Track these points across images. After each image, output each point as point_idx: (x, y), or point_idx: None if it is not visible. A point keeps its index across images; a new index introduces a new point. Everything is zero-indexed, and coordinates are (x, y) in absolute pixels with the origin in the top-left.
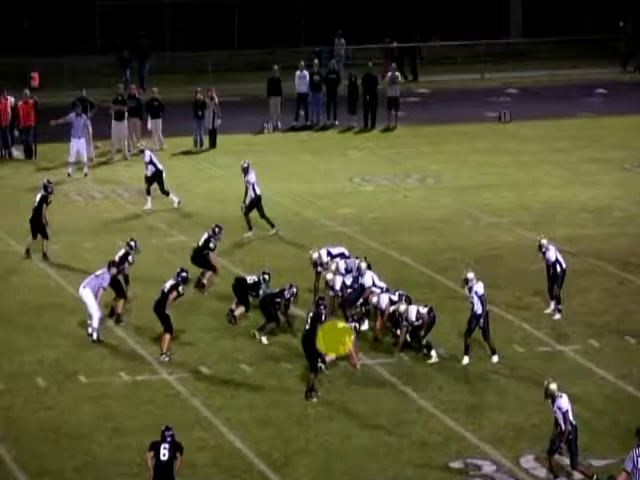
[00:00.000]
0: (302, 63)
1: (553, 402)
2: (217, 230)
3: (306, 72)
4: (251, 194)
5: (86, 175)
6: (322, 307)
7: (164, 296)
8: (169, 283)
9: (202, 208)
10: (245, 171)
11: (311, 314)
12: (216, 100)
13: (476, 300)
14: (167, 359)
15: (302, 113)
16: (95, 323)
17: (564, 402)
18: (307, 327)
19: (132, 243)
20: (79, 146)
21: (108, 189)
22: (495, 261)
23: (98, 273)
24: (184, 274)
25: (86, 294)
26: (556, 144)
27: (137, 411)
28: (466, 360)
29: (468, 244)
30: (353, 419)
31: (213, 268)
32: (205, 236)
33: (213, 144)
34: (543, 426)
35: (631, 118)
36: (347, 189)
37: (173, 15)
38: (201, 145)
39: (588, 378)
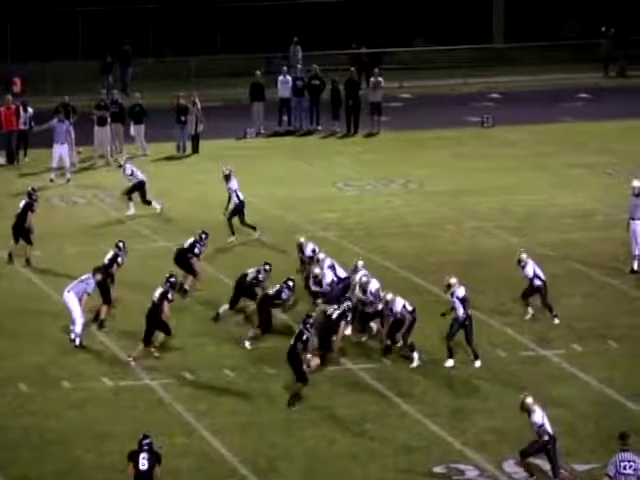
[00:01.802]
0: (285, 68)
1: (529, 416)
2: (203, 236)
3: (289, 77)
4: (235, 200)
5: (69, 181)
6: (307, 327)
7: (155, 306)
8: (158, 292)
9: (185, 213)
10: (227, 178)
11: (297, 332)
12: (199, 105)
13: (457, 304)
14: (158, 355)
15: (285, 118)
16: (78, 328)
17: (538, 417)
18: (291, 343)
19: (120, 244)
20: (62, 152)
21: (91, 195)
22: (478, 266)
23: (83, 278)
24: (172, 279)
25: (70, 299)
26: (539, 149)
27: (120, 417)
28: (450, 363)
29: (451, 249)
30: (337, 424)
31: (194, 273)
32: (191, 240)
33: (196, 149)
34: (526, 430)
35: (613, 122)
36: (330, 194)
37: (156, 20)
38: (184, 150)
39: (571, 382)
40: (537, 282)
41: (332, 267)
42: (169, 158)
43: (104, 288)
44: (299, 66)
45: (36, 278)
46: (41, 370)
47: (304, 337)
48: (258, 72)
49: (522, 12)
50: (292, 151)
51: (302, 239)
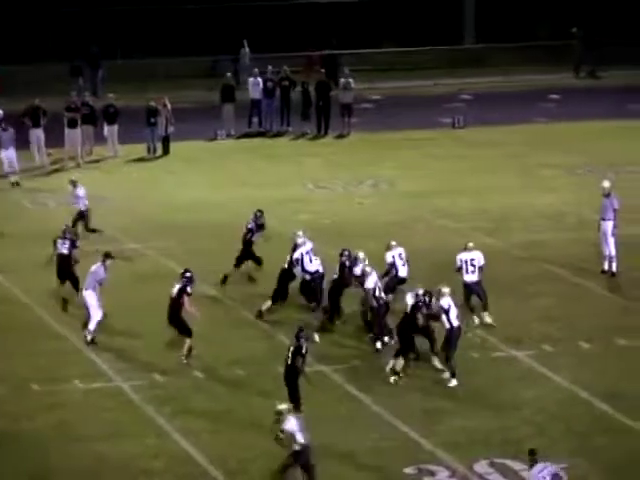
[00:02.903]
0: (256, 70)
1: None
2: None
3: (259, 78)
4: (81, 207)
5: (17, 184)
6: (302, 339)
7: (175, 302)
8: (176, 288)
9: (155, 215)
10: (74, 185)
11: (292, 348)
12: (169, 107)
13: (442, 316)
14: (185, 361)
15: (255, 120)
16: (92, 325)
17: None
18: (288, 362)
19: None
20: (9, 156)
21: (61, 197)
22: (450, 267)
23: (92, 269)
24: (188, 274)
25: (88, 295)
26: (510, 149)
27: (92, 419)
28: (453, 382)
29: (422, 250)
30: (308, 425)
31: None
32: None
33: (166, 151)
34: (497, 432)
35: (584, 123)
36: (301, 195)
37: (124, 22)
38: (154, 152)
39: (542, 383)
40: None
41: (307, 253)
42: (139, 160)
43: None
44: (269, 67)
45: (2, 279)
46: (12, 373)
47: (303, 350)
48: (229, 74)
49: (493, 13)
50: (263, 152)
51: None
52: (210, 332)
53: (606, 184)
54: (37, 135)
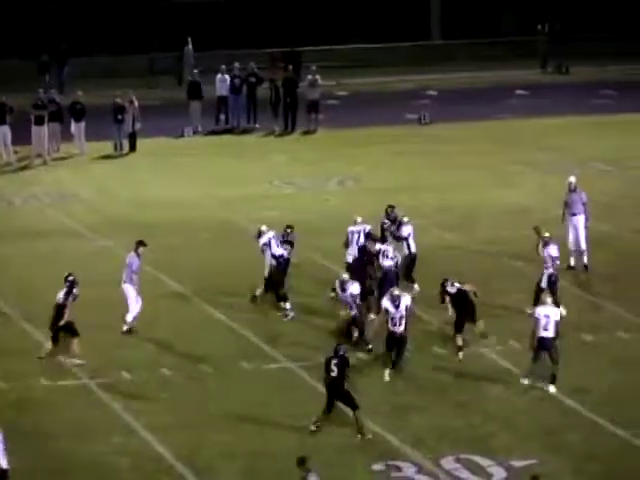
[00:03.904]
0: (223, 67)
1: None
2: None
3: (227, 75)
4: None
5: None
6: (343, 352)
7: (60, 308)
8: (61, 294)
9: (123, 212)
10: None
11: (335, 361)
12: (135, 104)
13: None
14: (79, 362)
15: (222, 117)
16: (129, 317)
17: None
18: (333, 374)
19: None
20: None
21: (28, 194)
22: (419, 261)
23: (127, 261)
24: (70, 278)
25: (126, 289)
26: (476, 146)
27: (58, 416)
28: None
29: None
30: (276, 422)
31: None
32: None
33: (133, 148)
34: (464, 428)
35: (551, 119)
36: (268, 192)
37: (91, 19)
38: (121, 149)
39: (508, 379)
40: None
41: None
42: (106, 157)
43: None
44: (236, 64)
45: None
46: None
47: (348, 361)
48: (196, 70)
49: (459, 9)
50: (230, 149)
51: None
52: (178, 329)
53: (572, 179)
54: (3, 132)
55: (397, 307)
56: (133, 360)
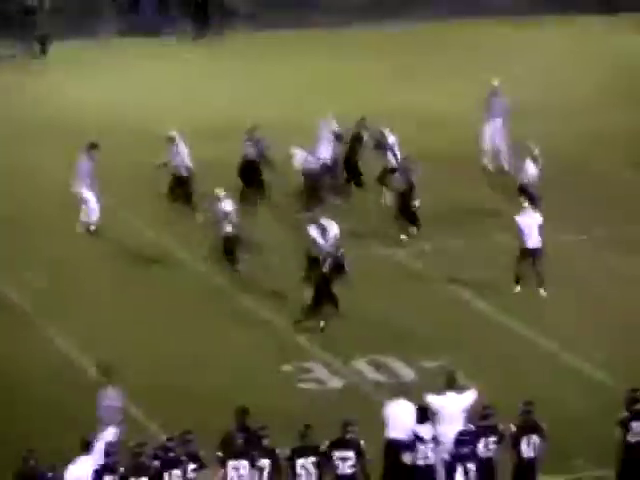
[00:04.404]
0: None
1: None
2: None
3: None
4: None
5: None
6: (341, 254)
7: None
8: None
9: (39, 116)
10: None
11: (330, 260)
12: (45, 6)
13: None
14: None
15: (136, 19)
16: (93, 217)
17: None
18: (324, 271)
19: None
20: None
21: None
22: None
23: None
24: None
25: (84, 193)
26: (391, 49)
27: None
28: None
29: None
30: (184, 324)
31: None
32: None
33: (43, 51)
34: (375, 330)
35: (467, 22)
36: (181, 96)
37: None
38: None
39: (420, 282)
40: None
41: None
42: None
43: None
44: None
45: None
46: None
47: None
48: None
49: None
50: (142, 52)
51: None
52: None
53: (495, 82)
54: None
55: (325, 238)
56: None
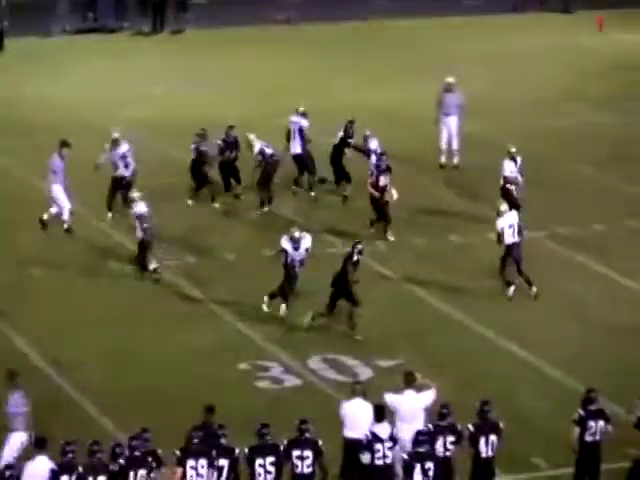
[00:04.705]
0: None
1: None
2: None
3: None
4: None
5: None
6: (357, 250)
7: None
8: None
9: None
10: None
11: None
12: (2, 2)
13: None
14: None
15: (91, 15)
16: (65, 215)
17: None
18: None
19: None
20: None
21: None
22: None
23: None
24: None
25: (54, 190)
26: (346, 47)
27: None
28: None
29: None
30: (143, 323)
31: None
32: None
33: (0, 47)
34: (331, 328)
35: (419, 20)
36: (137, 92)
37: None
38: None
39: (383, 282)
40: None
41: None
42: None
43: None
44: None
45: None
46: None
47: (354, 259)
48: None
49: None
50: (98, 49)
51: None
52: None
53: (450, 79)
54: None
55: (297, 249)
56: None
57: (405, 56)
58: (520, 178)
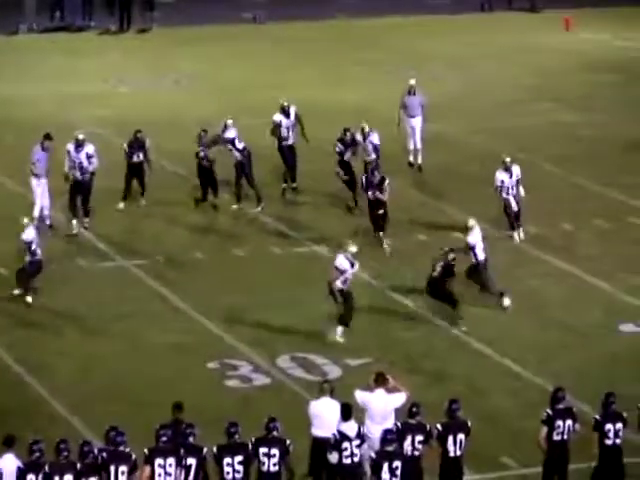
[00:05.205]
0: None
1: None
2: None
3: None
4: None
5: None
6: (452, 259)
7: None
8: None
9: None
10: None
11: (442, 263)
12: None
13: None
14: None
15: (58, 14)
16: (46, 210)
17: None
18: (435, 275)
19: None
20: None
21: None
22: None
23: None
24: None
25: (33, 183)
26: (313, 45)
27: None
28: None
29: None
30: (107, 321)
31: None
32: None
33: None
34: (299, 326)
35: (386, 19)
36: (104, 91)
37: None
38: None
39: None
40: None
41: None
42: None
43: None
44: None
45: None
46: None
47: (453, 270)
48: None
49: None
50: (65, 47)
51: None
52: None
53: (412, 82)
54: None
55: (352, 266)
56: None
57: (372, 55)
58: (515, 189)
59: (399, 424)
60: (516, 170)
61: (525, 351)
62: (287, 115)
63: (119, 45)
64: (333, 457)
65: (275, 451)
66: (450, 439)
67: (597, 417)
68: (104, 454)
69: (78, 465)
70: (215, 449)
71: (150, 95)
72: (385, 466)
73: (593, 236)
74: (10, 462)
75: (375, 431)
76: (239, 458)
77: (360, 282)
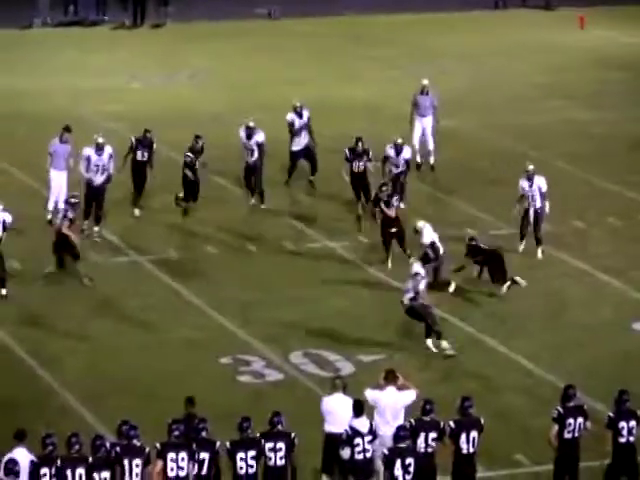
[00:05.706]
0: None
1: None
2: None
3: None
4: None
5: None
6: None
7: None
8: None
9: None
10: None
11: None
12: None
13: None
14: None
15: (72, 8)
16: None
17: None
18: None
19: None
20: None
21: None
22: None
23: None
24: (72, 200)
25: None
26: (325, 42)
27: None
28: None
29: (234, 141)
30: (123, 315)
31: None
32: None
33: None
34: (313, 323)
35: (398, 16)
36: (118, 86)
37: None
38: None
39: (356, 273)
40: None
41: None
42: None
43: None
44: None
45: None
46: None
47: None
48: None
49: None
50: (79, 42)
51: None
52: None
53: (425, 81)
54: None
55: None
56: None
57: (385, 52)
58: (539, 202)
59: (413, 421)
60: (539, 181)
61: (538, 348)
62: (300, 116)
63: (133, 40)
64: (345, 453)
65: (281, 445)
66: (463, 436)
67: (611, 414)
68: (117, 448)
69: (90, 459)
70: (228, 444)
71: (163, 90)
72: (397, 463)
73: (605, 234)
74: (22, 456)
75: (385, 429)
76: (252, 453)
77: (372, 278)
